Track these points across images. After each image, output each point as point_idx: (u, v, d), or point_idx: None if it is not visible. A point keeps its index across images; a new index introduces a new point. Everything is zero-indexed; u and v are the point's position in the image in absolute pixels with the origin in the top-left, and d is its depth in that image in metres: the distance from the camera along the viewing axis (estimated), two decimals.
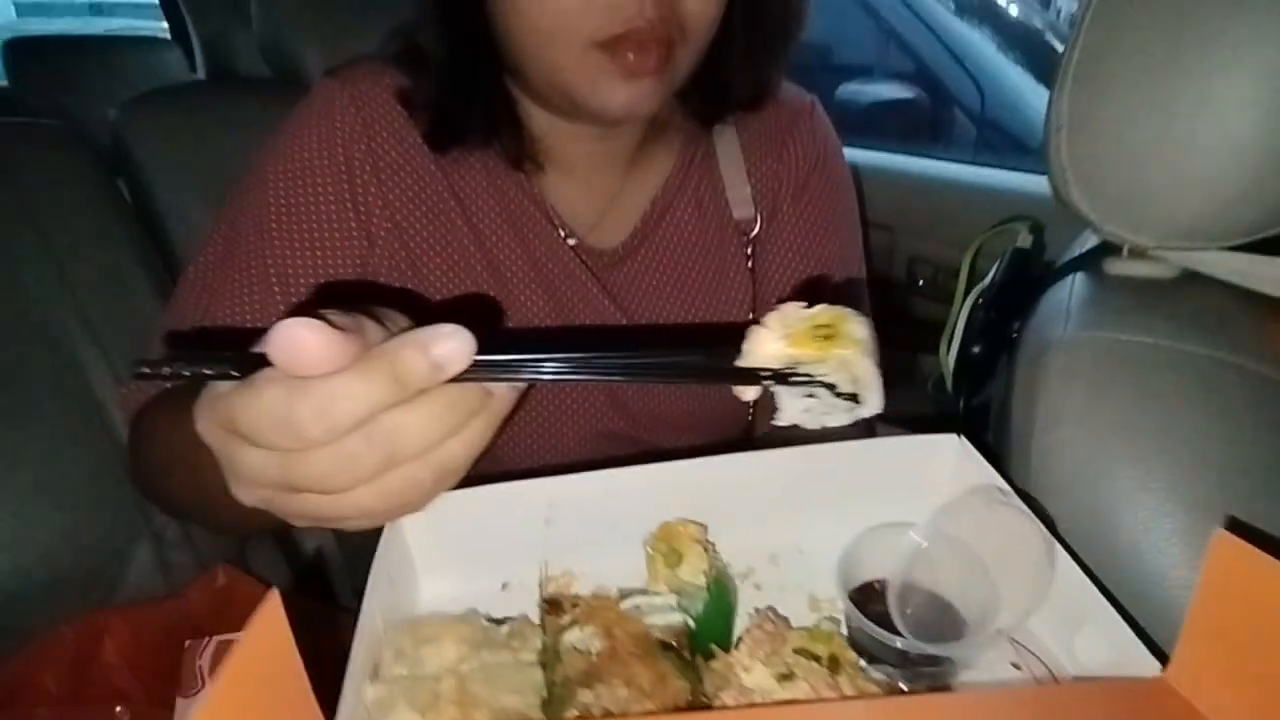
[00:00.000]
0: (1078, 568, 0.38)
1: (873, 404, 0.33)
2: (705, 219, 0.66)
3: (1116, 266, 0.50)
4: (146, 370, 0.27)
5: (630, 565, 0.45)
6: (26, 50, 1.50)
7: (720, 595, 0.43)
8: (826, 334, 0.32)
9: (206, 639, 0.73)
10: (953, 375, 0.59)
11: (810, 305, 0.33)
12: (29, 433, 0.79)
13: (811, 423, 0.34)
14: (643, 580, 0.45)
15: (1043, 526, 0.39)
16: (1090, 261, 0.52)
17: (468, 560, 0.45)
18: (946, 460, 0.47)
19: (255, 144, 0.59)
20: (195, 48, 1.69)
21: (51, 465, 0.80)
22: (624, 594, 0.43)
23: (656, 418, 0.65)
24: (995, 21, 2.16)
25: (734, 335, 0.32)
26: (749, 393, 0.35)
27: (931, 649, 0.38)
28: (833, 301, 0.32)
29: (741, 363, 0.33)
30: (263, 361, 0.27)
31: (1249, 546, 0.28)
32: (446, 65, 0.56)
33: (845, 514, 0.44)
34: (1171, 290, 0.48)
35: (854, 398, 0.32)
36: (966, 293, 0.65)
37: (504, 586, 0.46)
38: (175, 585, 0.83)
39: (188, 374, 0.28)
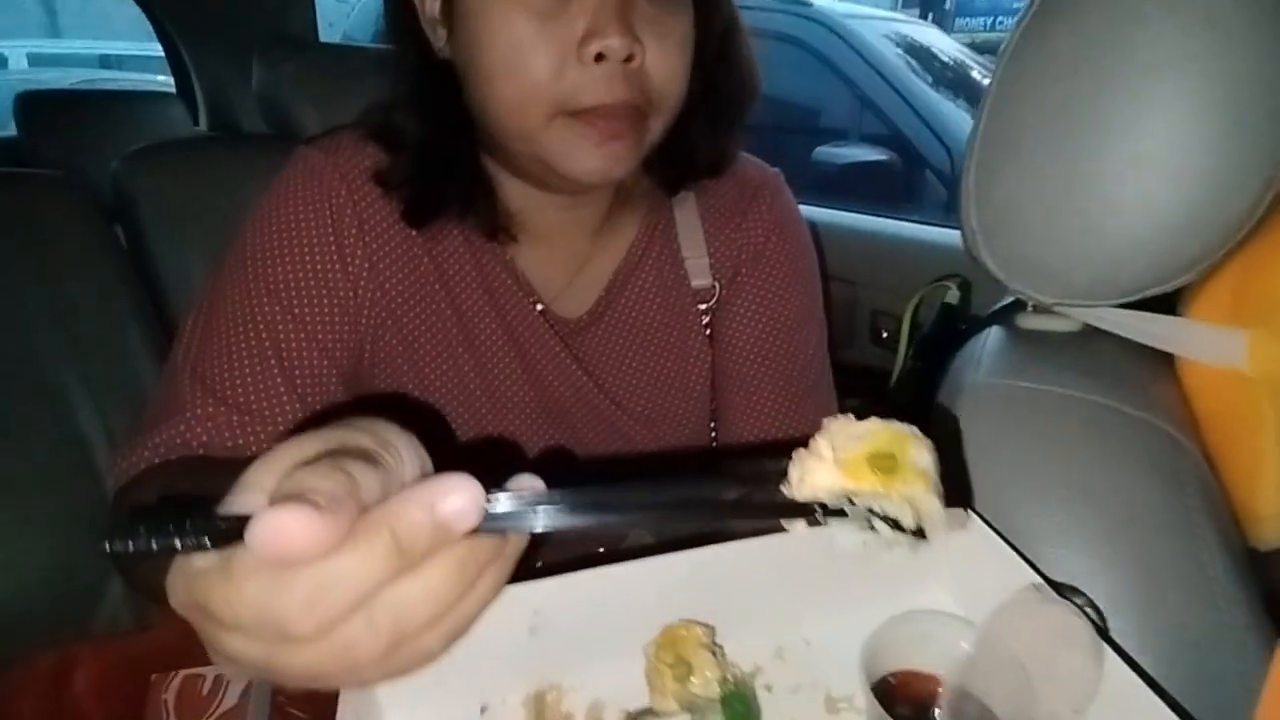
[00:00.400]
0: (1125, 665, 0.35)
1: (938, 540, 0.30)
2: (665, 287, 0.68)
3: (1025, 320, 0.55)
4: (112, 547, 0.24)
5: (630, 675, 0.40)
6: (37, 103, 1.57)
7: (743, 711, 0.38)
8: (887, 465, 0.29)
9: (173, 673, 0.75)
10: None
11: (859, 417, 0.30)
12: (15, 470, 0.82)
13: (867, 556, 0.31)
14: (645, 694, 0.40)
15: (1090, 627, 0.37)
16: (1004, 316, 0.57)
17: (440, 684, 0.38)
18: (957, 538, 0.44)
19: (249, 197, 0.62)
20: (199, 102, 1.78)
21: (35, 502, 0.83)
22: (631, 717, 0.38)
23: (609, 444, 0.67)
24: (965, 90, 2.28)
25: (773, 464, 0.29)
26: (798, 526, 0.32)
27: None
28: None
29: (790, 493, 0.30)
30: (235, 528, 0.24)
31: None
32: (422, 144, 0.57)
33: (850, 600, 0.41)
34: (1073, 342, 0.53)
35: (918, 533, 0.30)
36: (909, 344, 0.70)
37: (483, 710, 0.40)
38: (144, 621, 0.85)
39: (159, 547, 0.24)
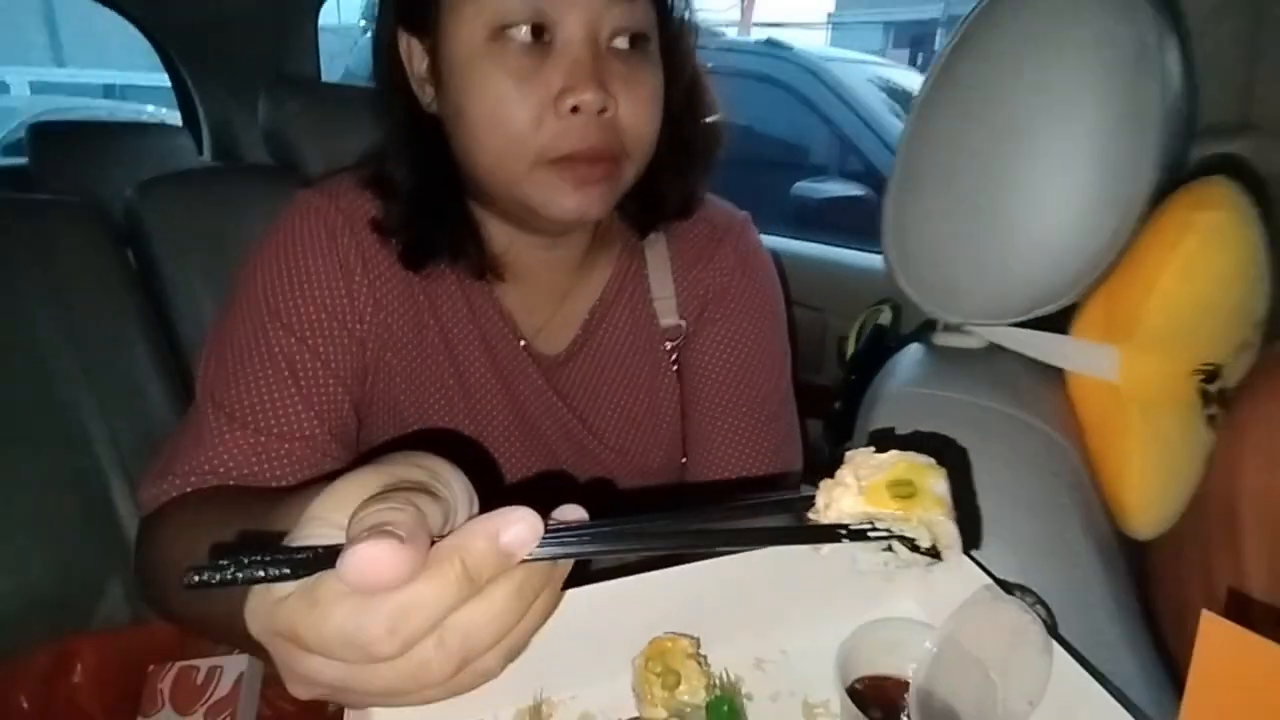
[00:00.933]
0: (1070, 658, 0.38)
1: (953, 560, 0.33)
2: (636, 326, 0.71)
3: (939, 338, 0.62)
4: (196, 579, 0.26)
5: (616, 687, 0.42)
6: (48, 133, 1.65)
7: (730, 715, 0.40)
8: (906, 492, 0.32)
9: (169, 664, 0.79)
10: (827, 430, 0.70)
11: (878, 450, 0.32)
12: (25, 476, 0.87)
13: (888, 576, 0.34)
14: (632, 705, 0.41)
15: (1041, 624, 0.39)
16: (924, 334, 0.64)
17: (433, 707, 0.40)
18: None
19: (255, 224, 0.65)
20: (204, 134, 1.86)
21: (41, 503, 0.88)
22: None
23: (587, 471, 0.71)
24: None
25: (797, 492, 0.34)
26: (826, 549, 0.34)
27: None
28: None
29: (818, 518, 0.32)
30: (317, 558, 0.27)
31: (1235, 626, 0.29)
32: (413, 192, 0.61)
33: (826, 613, 0.44)
34: (979, 357, 0.60)
35: (933, 553, 0.32)
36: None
37: None
38: (142, 617, 0.90)
39: (241, 578, 0.26)
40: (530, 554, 0.28)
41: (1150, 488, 0.53)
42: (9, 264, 0.90)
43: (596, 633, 0.41)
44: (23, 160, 1.67)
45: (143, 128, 2.17)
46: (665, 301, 0.72)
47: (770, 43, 2.84)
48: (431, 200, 0.61)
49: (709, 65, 0.68)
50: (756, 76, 2.70)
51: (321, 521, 0.28)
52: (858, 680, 0.40)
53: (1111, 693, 0.36)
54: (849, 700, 0.38)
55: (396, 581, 0.25)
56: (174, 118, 2.02)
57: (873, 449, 0.33)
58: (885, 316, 0.78)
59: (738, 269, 0.73)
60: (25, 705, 0.77)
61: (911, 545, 0.32)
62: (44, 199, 0.99)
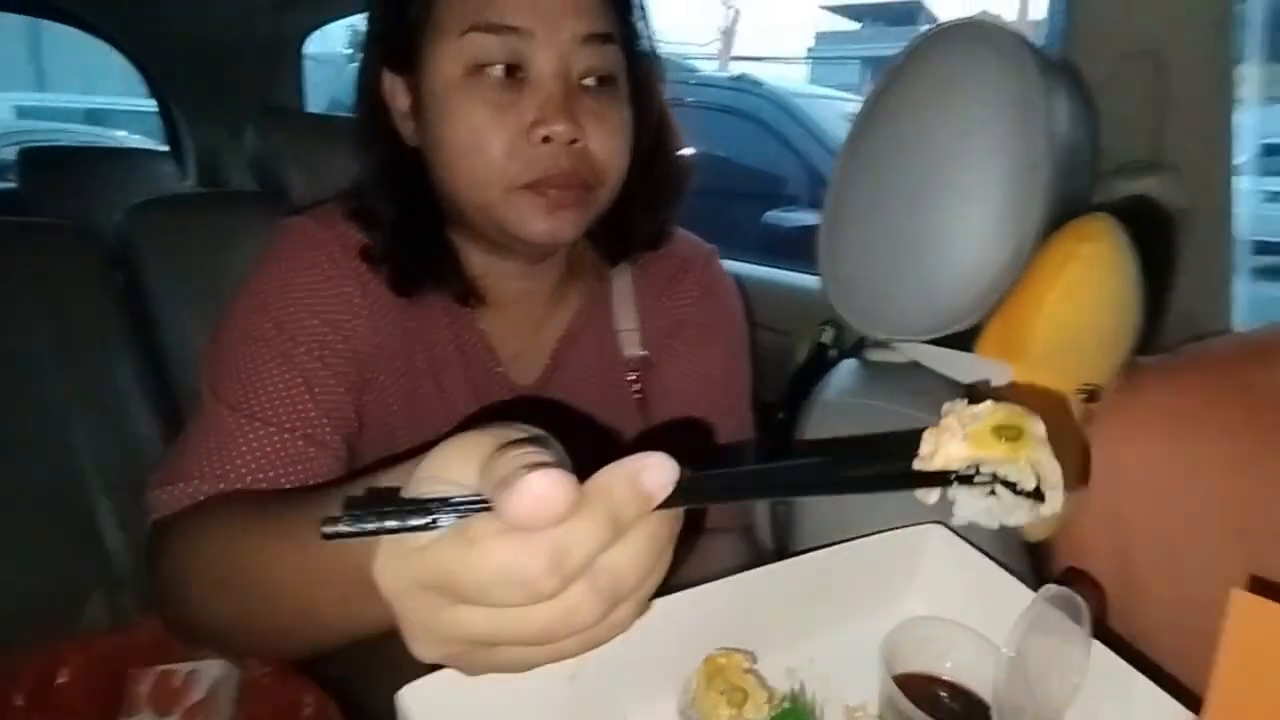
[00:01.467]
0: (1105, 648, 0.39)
1: (1055, 503, 0.32)
2: (601, 357, 0.74)
3: (870, 354, 0.69)
4: (334, 530, 0.25)
5: (664, 711, 0.41)
6: (37, 158, 1.70)
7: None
8: (1013, 435, 0.32)
9: (148, 669, 0.83)
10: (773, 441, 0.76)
11: (972, 402, 0.32)
12: (9, 485, 0.90)
13: (990, 522, 0.33)
14: None
15: (1083, 627, 0.39)
16: (858, 350, 0.71)
17: None
18: (934, 550, 0.50)
19: (241, 248, 0.70)
20: (189, 159, 1.91)
21: (26, 518, 0.91)
22: None
23: None
24: None
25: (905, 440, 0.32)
26: (932, 495, 0.34)
27: None
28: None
29: (923, 466, 0.33)
30: (460, 504, 0.26)
31: (1267, 602, 0.29)
32: (396, 223, 0.64)
33: (848, 619, 0.45)
34: (903, 371, 0.66)
35: (1037, 495, 0.32)
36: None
37: None
38: (124, 623, 0.93)
39: (394, 526, 0.26)
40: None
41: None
42: (5, 284, 0.95)
43: (640, 657, 0.38)
44: (11, 184, 1.72)
45: (128, 153, 2.23)
46: (629, 334, 0.75)
47: (743, 78, 2.96)
48: (413, 230, 0.65)
49: (687, 99, 0.74)
50: (730, 111, 2.81)
51: (437, 480, 0.28)
52: (895, 678, 0.41)
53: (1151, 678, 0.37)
54: (901, 695, 0.38)
55: (564, 515, 0.25)
56: (149, 143, 2.07)
57: (966, 400, 0.33)
58: (829, 335, 0.84)
59: (701, 300, 0.77)
60: (21, 704, 0.80)
61: (1014, 489, 0.32)
62: (40, 222, 1.04)
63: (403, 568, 0.27)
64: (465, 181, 0.60)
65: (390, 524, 0.25)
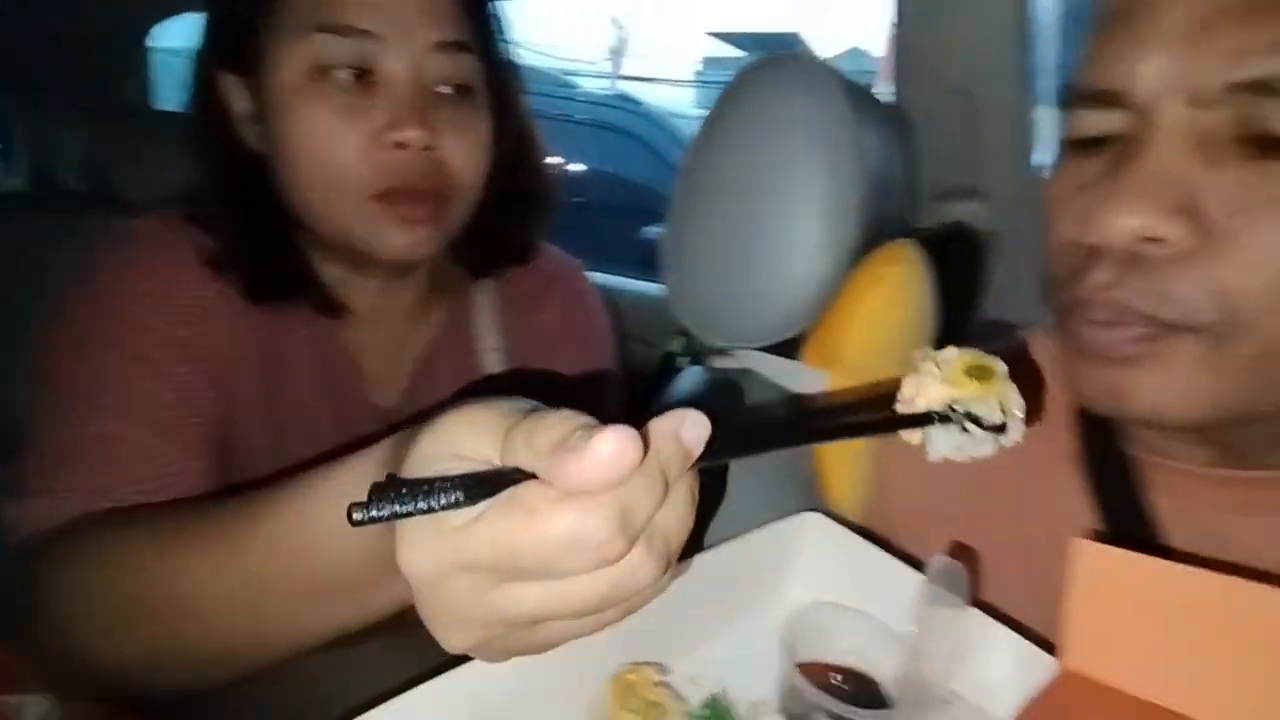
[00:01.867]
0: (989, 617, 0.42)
1: (1014, 434, 0.35)
2: (462, 377, 0.71)
3: (712, 361, 0.73)
4: (363, 516, 0.23)
5: None
6: None
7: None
8: (984, 374, 0.34)
9: None
10: None
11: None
12: None
13: (961, 457, 0.35)
14: None
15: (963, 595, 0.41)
16: (701, 359, 0.75)
17: None
18: (813, 537, 0.51)
19: (68, 253, 0.61)
20: (15, 157, 1.74)
21: None
22: None
23: None
24: None
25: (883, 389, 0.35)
26: (917, 435, 0.36)
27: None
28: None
29: (905, 408, 0.35)
30: (495, 478, 0.25)
31: (1104, 545, 0.32)
32: (239, 230, 0.60)
33: (739, 617, 0.46)
34: (740, 376, 0.71)
35: (1000, 428, 0.35)
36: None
37: None
38: None
39: (424, 507, 0.24)
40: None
41: (844, 483, 0.62)
42: None
43: (546, 683, 0.37)
44: None
45: None
46: (492, 354, 0.73)
47: (623, 97, 3.03)
48: (257, 240, 0.61)
49: (573, 115, 0.75)
50: (611, 128, 2.87)
51: (443, 457, 0.27)
52: (798, 666, 0.41)
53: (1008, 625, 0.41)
54: (806, 682, 0.39)
55: (632, 469, 0.24)
56: None
57: (932, 349, 0.36)
58: (678, 344, 0.89)
59: (566, 315, 0.76)
60: None
61: (980, 424, 0.34)
62: None
63: (437, 550, 0.25)
64: (313, 193, 0.57)
65: (424, 504, 0.24)
